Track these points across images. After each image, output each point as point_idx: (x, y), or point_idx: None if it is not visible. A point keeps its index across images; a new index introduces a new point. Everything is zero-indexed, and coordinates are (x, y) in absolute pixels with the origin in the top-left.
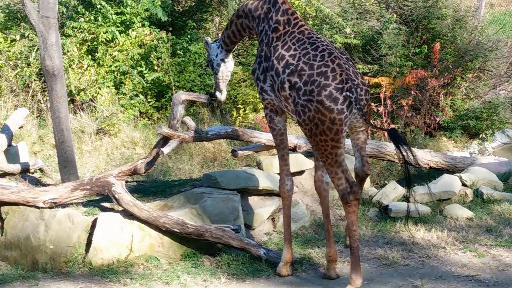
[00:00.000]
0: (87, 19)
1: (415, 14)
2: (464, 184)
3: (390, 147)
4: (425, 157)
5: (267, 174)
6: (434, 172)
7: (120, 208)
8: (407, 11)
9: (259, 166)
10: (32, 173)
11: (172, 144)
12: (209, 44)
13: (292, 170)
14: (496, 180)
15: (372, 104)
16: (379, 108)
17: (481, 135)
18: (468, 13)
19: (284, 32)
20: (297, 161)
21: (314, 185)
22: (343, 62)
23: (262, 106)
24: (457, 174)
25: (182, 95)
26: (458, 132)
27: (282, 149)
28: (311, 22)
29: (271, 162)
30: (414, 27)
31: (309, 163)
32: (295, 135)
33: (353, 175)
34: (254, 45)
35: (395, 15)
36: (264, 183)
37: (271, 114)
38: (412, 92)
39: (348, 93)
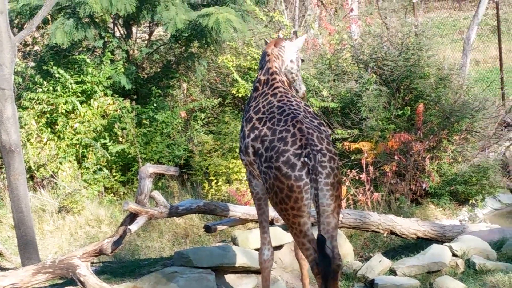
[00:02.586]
0: (45, 89)
1: (396, 74)
2: (454, 254)
3: (374, 217)
4: (412, 226)
5: (243, 250)
6: (422, 242)
7: None
8: (387, 71)
9: (234, 241)
10: None
11: (140, 220)
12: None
13: None
14: (489, 249)
15: (354, 171)
16: (361, 175)
17: (471, 201)
18: (452, 71)
19: (260, 92)
20: (275, 234)
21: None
22: (306, 127)
23: (235, 177)
24: (446, 243)
25: (149, 168)
26: (446, 199)
27: (260, 215)
28: None
29: (247, 237)
30: (396, 88)
31: (288, 237)
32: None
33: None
34: (225, 112)
35: (374, 76)
36: (240, 260)
37: (250, 177)
38: (396, 157)
39: (306, 159)
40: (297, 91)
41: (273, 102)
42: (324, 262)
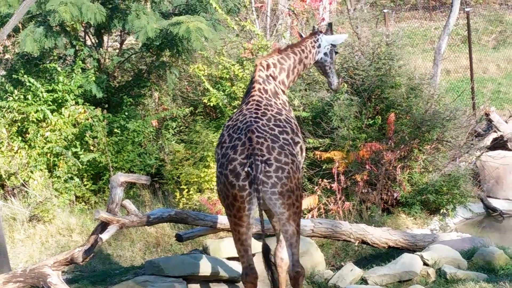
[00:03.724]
0: (16, 97)
1: (367, 84)
2: (425, 264)
3: (345, 226)
4: (383, 235)
5: (215, 259)
6: (393, 251)
7: None
8: (358, 81)
9: (205, 250)
10: None
11: (112, 229)
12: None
13: None
14: (460, 258)
15: (325, 180)
16: (332, 185)
17: (442, 210)
18: (423, 81)
19: (242, 101)
20: None
21: None
22: (257, 136)
23: (207, 186)
24: (418, 253)
25: (120, 177)
26: (418, 208)
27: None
28: None
29: (219, 246)
30: (367, 97)
31: (259, 246)
32: None
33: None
34: (196, 121)
35: (346, 85)
36: (211, 269)
37: None
38: (367, 167)
39: (248, 169)
40: (330, 83)
41: (242, 110)
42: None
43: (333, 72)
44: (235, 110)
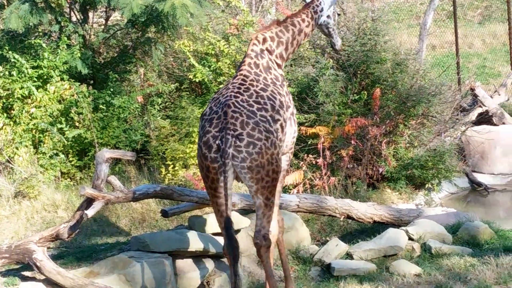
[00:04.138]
0: (1, 74)
1: (352, 59)
2: (410, 238)
3: (330, 202)
4: (368, 210)
5: (201, 235)
6: (379, 226)
7: (43, 277)
8: (344, 56)
9: (191, 226)
10: None
11: (97, 205)
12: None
13: None
14: (445, 233)
15: (311, 156)
16: (317, 160)
17: (427, 185)
18: (409, 57)
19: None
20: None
21: None
22: (233, 110)
23: (192, 162)
24: (403, 227)
25: (106, 153)
26: (403, 183)
27: None
28: None
29: (205, 221)
30: (352, 73)
31: (246, 222)
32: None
33: None
34: (182, 97)
35: (331, 61)
36: (197, 244)
37: None
38: (352, 142)
39: (219, 142)
40: (334, 44)
41: (227, 84)
42: (228, 244)
43: (336, 33)
44: (220, 86)
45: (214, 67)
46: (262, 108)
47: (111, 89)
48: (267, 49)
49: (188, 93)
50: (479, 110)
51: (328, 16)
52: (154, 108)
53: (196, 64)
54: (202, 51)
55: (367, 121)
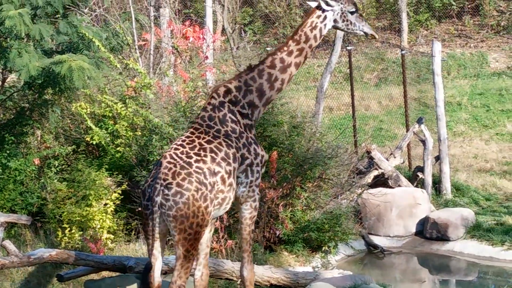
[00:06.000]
0: None
1: None
2: None
3: (228, 265)
4: (265, 273)
5: None
6: None
7: None
8: None
9: None
10: None
11: None
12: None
13: None
14: None
15: None
16: (215, 223)
17: (324, 248)
18: (306, 119)
19: None
20: None
21: None
22: (168, 161)
23: (89, 225)
24: None
25: (0, 217)
26: (300, 246)
27: None
28: (139, 133)
29: (100, 285)
30: None
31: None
32: (125, 256)
33: None
34: (79, 159)
35: None
36: None
37: None
38: None
39: (149, 190)
40: (365, 34)
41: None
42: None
43: (357, 26)
44: (118, 149)
45: (111, 130)
46: (200, 160)
47: (7, 151)
48: (230, 101)
49: (85, 155)
50: (375, 172)
51: (335, 21)
52: (51, 171)
53: (93, 127)
54: (100, 113)
55: (264, 184)
